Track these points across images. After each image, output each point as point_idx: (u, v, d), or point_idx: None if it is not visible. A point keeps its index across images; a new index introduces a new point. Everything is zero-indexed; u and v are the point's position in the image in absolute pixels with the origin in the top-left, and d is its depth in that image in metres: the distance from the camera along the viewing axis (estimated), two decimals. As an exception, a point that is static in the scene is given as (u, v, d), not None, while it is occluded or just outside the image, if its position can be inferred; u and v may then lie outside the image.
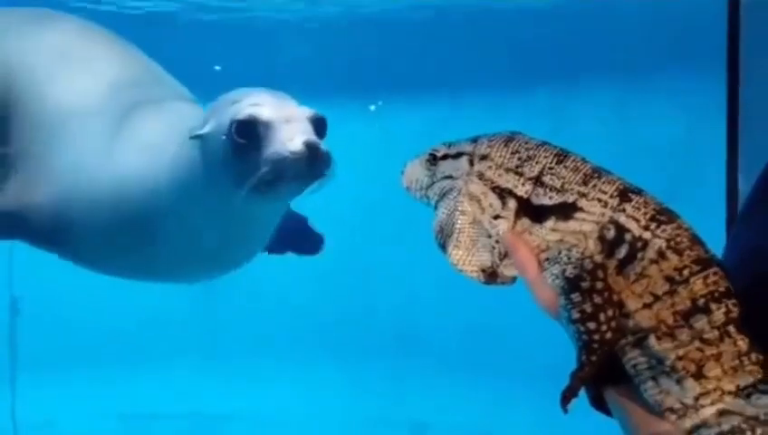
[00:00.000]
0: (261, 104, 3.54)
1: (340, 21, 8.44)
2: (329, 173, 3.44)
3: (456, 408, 7.93)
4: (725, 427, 1.27)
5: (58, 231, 4.05)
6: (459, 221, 1.48)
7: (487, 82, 8.34)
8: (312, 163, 3.38)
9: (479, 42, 8.33)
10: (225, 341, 8.54)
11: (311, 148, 3.37)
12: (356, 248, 8.16)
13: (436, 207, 1.53)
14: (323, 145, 3.43)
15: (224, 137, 3.55)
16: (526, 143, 1.46)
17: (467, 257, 1.48)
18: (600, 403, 1.43)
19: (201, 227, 3.80)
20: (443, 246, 1.50)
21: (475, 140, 1.51)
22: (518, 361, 7.92)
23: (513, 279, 1.48)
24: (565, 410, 1.35)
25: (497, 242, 1.46)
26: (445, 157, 1.53)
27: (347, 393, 8.07)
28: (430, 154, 1.55)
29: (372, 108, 8.73)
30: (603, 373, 1.37)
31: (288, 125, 3.45)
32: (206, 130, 3.62)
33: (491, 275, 1.48)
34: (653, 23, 8.03)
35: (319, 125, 3.54)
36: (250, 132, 3.48)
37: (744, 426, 1.26)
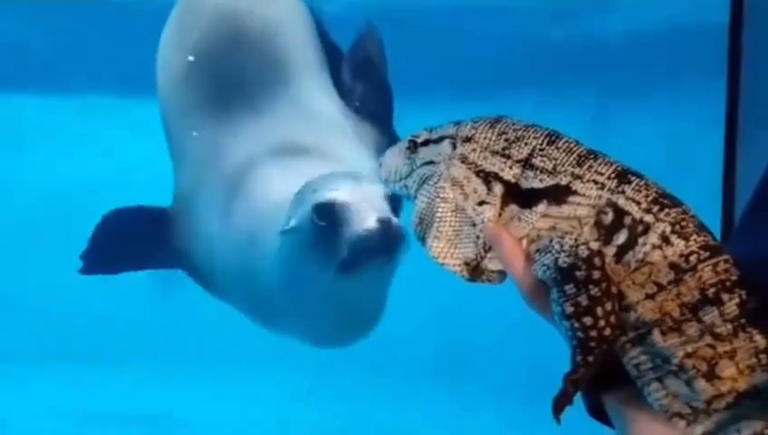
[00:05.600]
0: (338, 188, 3.71)
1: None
2: (404, 246, 3.57)
3: (427, 419, 7.80)
4: (745, 433, 1.12)
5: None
6: (440, 209, 1.34)
7: (468, 87, 8.20)
8: (386, 238, 3.52)
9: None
10: (190, 343, 8.39)
11: (383, 223, 3.51)
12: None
13: (415, 197, 1.39)
14: (395, 220, 3.58)
15: (308, 223, 3.73)
16: (514, 124, 1.33)
17: (449, 249, 1.33)
18: (599, 412, 1.27)
19: (306, 306, 4.00)
20: (422, 238, 1.35)
21: (458, 123, 1.38)
22: (492, 372, 7.80)
23: (500, 276, 1.33)
24: (558, 420, 1.20)
25: (482, 232, 1.31)
26: (426, 142, 1.39)
27: (317, 402, 7.94)
28: (410, 141, 1.41)
29: None
30: (603, 377, 1.22)
31: (363, 204, 3.59)
32: (292, 223, 3.82)
33: (475, 270, 1.33)
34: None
35: (394, 201, 3.66)
36: (329, 215, 3.64)
37: (766, 432, 1.11)
